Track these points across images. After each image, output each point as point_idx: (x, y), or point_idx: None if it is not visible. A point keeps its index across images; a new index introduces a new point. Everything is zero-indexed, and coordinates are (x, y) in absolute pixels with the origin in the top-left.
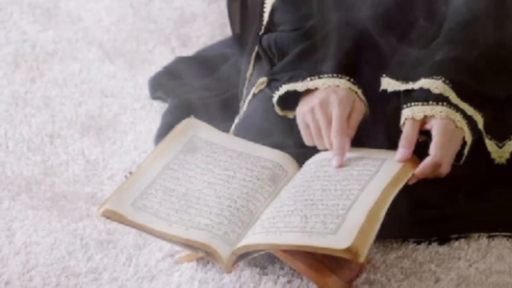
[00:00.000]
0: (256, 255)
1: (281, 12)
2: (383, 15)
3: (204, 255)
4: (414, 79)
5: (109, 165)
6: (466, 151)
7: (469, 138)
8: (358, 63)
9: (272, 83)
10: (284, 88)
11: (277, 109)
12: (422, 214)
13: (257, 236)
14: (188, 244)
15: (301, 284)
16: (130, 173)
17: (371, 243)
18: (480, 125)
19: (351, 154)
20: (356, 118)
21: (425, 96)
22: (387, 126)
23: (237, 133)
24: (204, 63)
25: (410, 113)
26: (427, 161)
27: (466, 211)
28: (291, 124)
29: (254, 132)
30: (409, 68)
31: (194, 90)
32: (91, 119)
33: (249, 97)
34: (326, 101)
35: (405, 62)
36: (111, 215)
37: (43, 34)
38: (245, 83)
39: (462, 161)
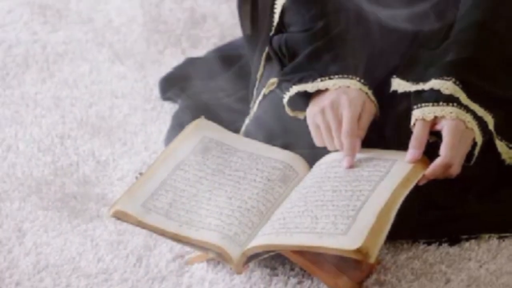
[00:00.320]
0: (266, 256)
1: (291, 13)
2: (392, 14)
3: (215, 256)
4: (425, 80)
5: (119, 166)
6: (476, 152)
7: (479, 139)
8: (369, 64)
9: (283, 84)
10: (294, 89)
11: (288, 110)
12: (432, 215)
13: (268, 237)
14: (198, 245)
15: (312, 285)
16: (141, 174)
17: (381, 244)
18: (491, 126)
19: (362, 155)
20: (367, 119)
21: (436, 97)
22: (398, 127)
23: (248, 134)
24: (215, 64)
25: (420, 114)
26: (437, 162)
27: (477, 212)
28: (302, 125)
29: (265, 133)
30: (420, 69)
31: (204, 91)
32: (102, 120)
33: (260, 98)
34: (336, 102)
35: (416, 63)
36: (122, 216)
37: (54, 35)
38: (256, 84)
39: (472, 162)
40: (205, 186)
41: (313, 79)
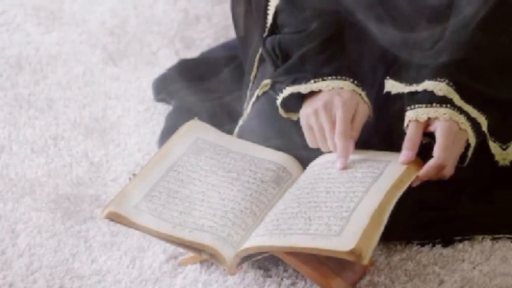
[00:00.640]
0: (259, 257)
1: (285, 14)
2: (387, 17)
3: (208, 257)
4: (418, 81)
5: (112, 167)
6: (470, 153)
7: (473, 140)
8: (362, 65)
9: (276, 85)
10: (288, 90)
11: (281, 111)
12: (426, 216)
13: (261, 238)
14: (191, 246)
15: (305, 286)
16: (134, 175)
17: (375, 245)
18: (484, 127)
19: (355, 156)
20: (360, 120)
21: (429, 98)
22: (391, 128)
23: (241, 135)
24: (208, 65)
25: (414, 115)
26: (431, 163)
27: (470, 213)
28: (295, 126)
29: (258, 134)
30: (413, 70)
31: (198, 92)
32: (95, 121)
33: (253, 99)
34: (330, 103)
35: (409, 64)
36: (115, 217)
37: (47, 36)
38: (249, 85)
39: (466, 163)
40: (199, 187)
41: (307, 80)
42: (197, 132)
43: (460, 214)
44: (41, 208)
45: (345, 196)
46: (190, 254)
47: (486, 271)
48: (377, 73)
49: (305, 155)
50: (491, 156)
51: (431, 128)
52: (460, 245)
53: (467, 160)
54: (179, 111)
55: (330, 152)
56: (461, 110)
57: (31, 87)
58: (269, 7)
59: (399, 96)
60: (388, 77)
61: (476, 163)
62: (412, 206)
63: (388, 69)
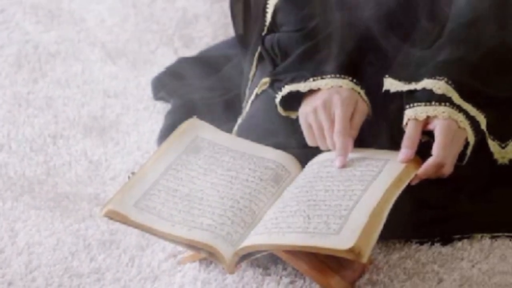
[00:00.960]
0: (258, 255)
1: (283, 13)
2: (385, 15)
3: (207, 255)
4: (417, 79)
5: (111, 166)
6: (469, 151)
7: (472, 139)
8: (361, 64)
9: (275, 84)
10: (286, 89)
11: (280, 110)
12: (424, 215)
13: (260, 236)
14: (191, 245)
15: (304, 285)
16: (133, 173)
17: (374, 244)
18: (483, 126)
19: (354, 154)
20: (359, 118)
21: (428, 97)
22: (390, 126)
23: (240, 134)
24: (207, 63)
25: (412, 114)
26: (430, 161)
27: (469, 211)
28: (294, 125)
29: (257, 133)
30: (412, 69)
31: (196, 90)
32: (94, 119)
33: (252, 97)
34: (329, 101)
35: (408, 62)
36: (114, 216)
37: (46, 34)
38: (248, 84)
39: (465, 162)
40: (198, 185)
41: (305, 79)
42: (196, 130)
43: (459, 212)
44: (40, 206)
45: (344, 194)
46: (189, 252)
47: (485, 270)
48: (376, 71)
49: (304, 154)
50: (490, 154)
51: (430, 127)
52: (459, 244)
53: (466, 158)
54: (178, 110)
55: (329, 150)
56: (460, 109)
57: (30, 85)
58: (268, 6)
59: (398, 94)
60: (387, 75)
61: (475, 161)
62: (411, 204)
63: (387, 67)
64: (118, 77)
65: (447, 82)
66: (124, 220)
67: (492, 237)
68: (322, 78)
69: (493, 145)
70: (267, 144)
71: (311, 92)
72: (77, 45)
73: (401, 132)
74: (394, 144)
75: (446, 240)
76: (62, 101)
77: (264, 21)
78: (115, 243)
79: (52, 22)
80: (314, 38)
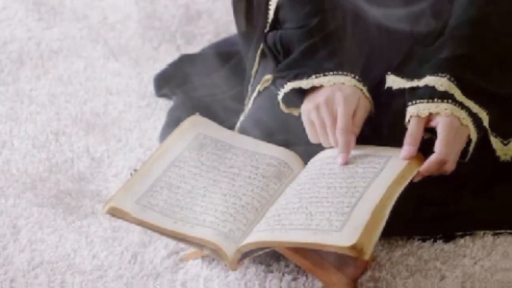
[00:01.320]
0: (261, 252)
1: (286, 10)
2: (388, 12)
3: (209, 252)
4: (419, 76)
5: (114, 163)
6: (471, 148)
7: (474, 136)
8: (363, 61)
9: (277, 81)
10: (289, 86)
11: (282, 107)
12: (427, 212)
13: (262, 233)
14: (193, 242)
15: (306, 282)
16: (135, 170)
17: (376, 241)
18: (485, 123)
19: (356, 151)
20: (361, 115)
21: (430, 94)
22: (392, 123)
23: (243, 131)
24: (209, 60)
25: (415, 111)
26: (432, 158)
27: (471, 208)
28: (296, 122)
29: (260, 130)
30: (414, 66)
31: (199, 87)
32: (96, 116)
33: (254, 94)
34: (331, 98)
35: (410, 59)
36: (116, 213)
37: (48, 31)
38: (250, 81)
39: (467, 159)
40: (200, 182)
41: (308, 75)
42: (198, 127)
43: (462, 209)
44: (43, 203)
45: (346, 191)
46: (192, 249)
47: (487, 267)
48: (378, 68)
49: (306, 151)
50: (493, 151)
51: (433, 124)
52: (462, 241)
53: (469, 155)
54: (181, 107)
55: (331, 147)
56: (462, 106)
57: (33, 82)
58: (270, 3)
59: (401, 91)
60: (389, 72)
61: (477, 158)
62: (414, 201)
63: (390, 65)
64: (120, 74)
65: (449, 79)
66: (126, 217)
67: (495, 234)
68: (324, 75)
69: (495, 142)
70: (269, 141)
71: (314, 89)
72: (79, 42)
73: (403, 129)
74: (396, 141)
75: (449, 237)
76: (64, 98)
77: (267, 18)
78: (117, 240)
79: (54, 19)
80: (316, 35)
